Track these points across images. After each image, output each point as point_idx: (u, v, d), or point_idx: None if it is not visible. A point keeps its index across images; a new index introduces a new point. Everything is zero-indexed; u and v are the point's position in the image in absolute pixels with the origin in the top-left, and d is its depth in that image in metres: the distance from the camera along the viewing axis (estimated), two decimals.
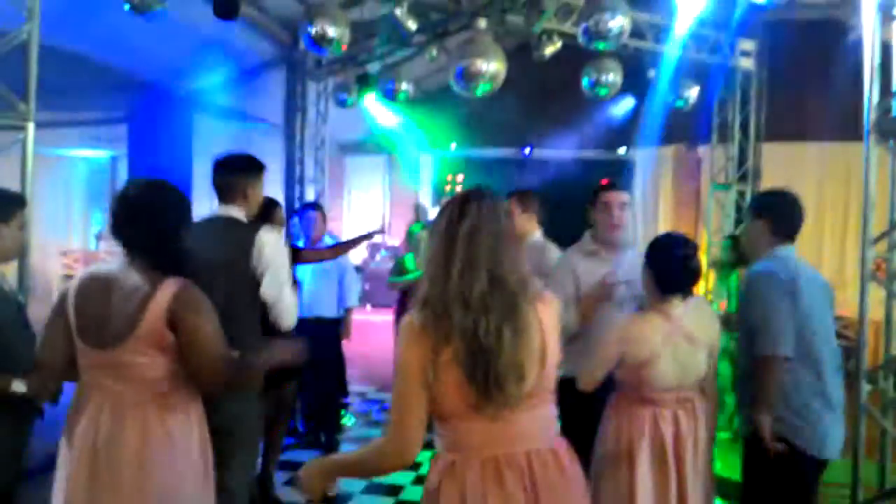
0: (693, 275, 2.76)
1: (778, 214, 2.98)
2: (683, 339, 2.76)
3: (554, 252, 4.02)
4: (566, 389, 3.44)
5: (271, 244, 3.04)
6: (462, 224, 1.83)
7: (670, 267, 2.75)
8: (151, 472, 2.18)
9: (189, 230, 2.36)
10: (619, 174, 10.20)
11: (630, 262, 3.42)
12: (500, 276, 1.82)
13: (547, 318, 1.90)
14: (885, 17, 3.76)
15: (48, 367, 2.34)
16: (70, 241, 12.37)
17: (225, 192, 3.16)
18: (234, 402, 2.91)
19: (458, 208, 1.86)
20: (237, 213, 3.13)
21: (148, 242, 2.24)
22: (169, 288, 2.20)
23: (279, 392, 4.28)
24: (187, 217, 2.38)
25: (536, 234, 4.17)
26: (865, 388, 3.82)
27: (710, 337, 2.84)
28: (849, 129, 7.18)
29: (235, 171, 3.18)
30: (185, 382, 2.27)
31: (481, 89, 6.06)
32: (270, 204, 4.16)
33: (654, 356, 2.72)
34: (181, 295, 2.20)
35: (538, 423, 1.93)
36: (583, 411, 3.13)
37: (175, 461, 2.23)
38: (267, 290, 3.02)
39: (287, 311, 3.09)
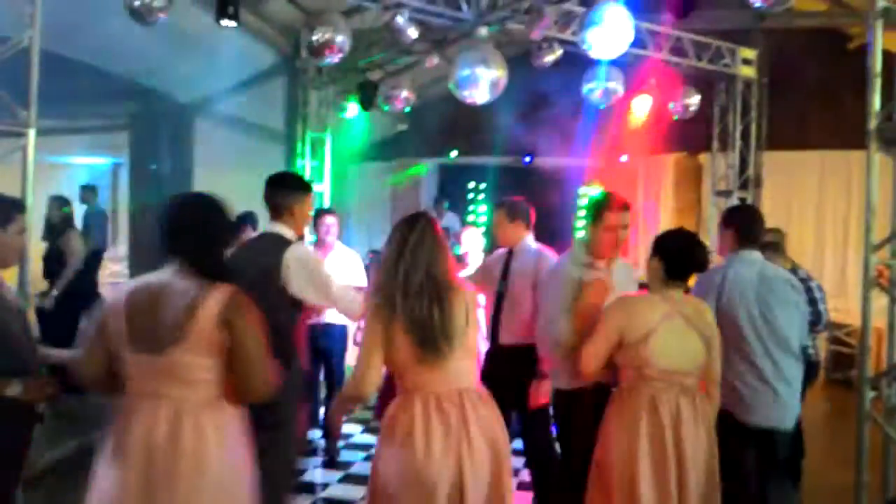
0: (699, 262, 3.02)
1: (740, 224, 3.50)
2: (682, 320, 2.90)
3: (549, 258, 4.01)
4: (565, 402, 3.46)
5: (296, 259, 3.21)
6: (410, 238, 2.66)
7: (680, 254, 2.97)
8: (208, 472, 2.27)
9: (232, 240, 2.55)
10: (620, 182, 10.19)
11: (621, 272, 3.45)
12: (434, 273, 2.65)
13: (469, 301, 2.71)
14: (887, 25, 3.76)
15: (89, 379, 2.41)
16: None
17: (272, 209, 3.40)
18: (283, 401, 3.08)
19: (407, 227, 2.70)
20: (283, 230, 3.34)
21: (198, 251, 2.37)
22: (220, 292, 2.31)
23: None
24: (232, 228, 2.58)
25: (527, 241, 4.16)
26: (869, 395, 3.80)
27: (706, 329, 2.95)
28: (850, 136, 7.18)
29: (283, 190, 3.41)
30: (232, 388, 2.37)
31: (482, 97, 6.07)
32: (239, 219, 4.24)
33: (652, 332, 2.85)
34: (232, 299, 2.32)
35: (464, 371, 2.68)
36: (583, 422, 3.14)
37: (228, 461, 2.33)
38: (314, 301, 3.32)
39: (347, 310, 3.41)
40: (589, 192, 10.40)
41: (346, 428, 5.94)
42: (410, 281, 2.61)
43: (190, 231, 2.39)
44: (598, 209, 3.41)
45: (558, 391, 3.51)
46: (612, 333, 2.93)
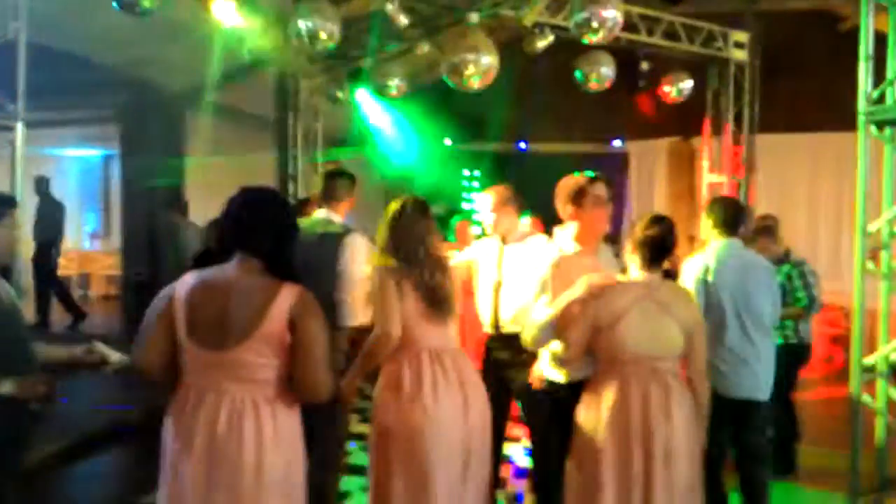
0: (670, 250, 3.06)
1: (719, 214, 3.80)
2: (654, 305, 2.93)
3: (542, 243, 3.98)
4: (562, 394, 3.46)
5: (355, 250, 3.75)
6: (401, 215, 3.10)
7: (651, 242, 3.00)
8: (268, 469, 2.31)
9: (297, 237, 2.51)
10: (615, 167, 10.19)
11: (605, 257, 3.45)
12: (428, 247, 3.10)
13: (455, 277, 3.27)
14: (878, 7, 3.75)
15: (146, 370, 2.43)
16: (64, 240, 12.32)
17: (327, 198, 3.99)
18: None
19: (399, 206, 3.13)
20: (332, 216, 3.93)
21: (271, 249, 2.37)
22: (290, 291, 2.33)
23: None
24: (296, 225, 2.55)
25: (521, 229, 4.17)
26: (861, 378, 3.81)
27: (686, 316, 2.96)
28: (842, 118, 7.17)
29: (339, 180, 4.03)
30: (290, 387, 2.39)
31: (474, 84, 6.04)
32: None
33: (623, 315, 2.89)
34: (302, 299, 2.34)
35: (454, 333, 3.17)
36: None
37: (285, 458, 2.38)
38: (337, 291, 3.69)
39: (346, 316, 3.70)
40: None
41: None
42: (410, 252, 3.04)
43: (264, 228, 2.37)
44: (579, 188, 3.34)
45: (553, 384, 3.50)
46: (587, 319, 2.95)
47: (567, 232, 3.38)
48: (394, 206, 3.16)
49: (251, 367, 2.30)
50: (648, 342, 2.90)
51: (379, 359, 3.06)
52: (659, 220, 3.07)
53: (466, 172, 11.04)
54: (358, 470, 4.68)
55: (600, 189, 3.34)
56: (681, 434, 2.85)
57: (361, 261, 3.68)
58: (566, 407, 3.28)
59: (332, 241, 3.72)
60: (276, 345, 2.30)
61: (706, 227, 3.86)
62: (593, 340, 2.96)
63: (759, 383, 3.69)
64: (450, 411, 2.96)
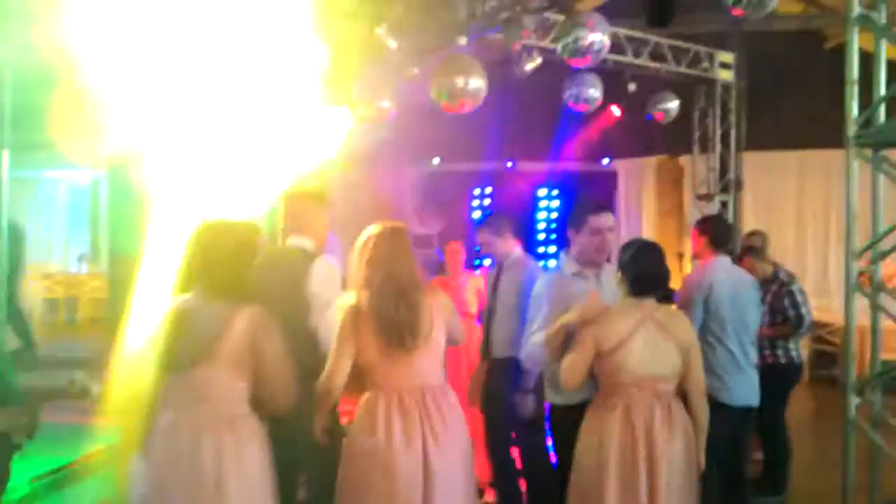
0: (663, 280, 3.11)
1: (714, 233, 3.97)
2: (655, 327, 2.95)
3: (537, 270, 4.04)
4: (560, 416, 3.44)
5: (323, 273, 3.31)
6: (369, 242, 2.90)
7: (640, 273, 3.02)
8: (227, 488, 2.39)
9: (253, 262, 2.67)
10: (602, 185, 10.23)
11: (611, 278, 3.42)
12: (396, 273, 2.84)
13: (435, 303, 2.91)
14: (863, 30, 3.78)
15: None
16: (51, 263, 12.24)
17: (292, 223, 3.51)
18: (305, 417, 3.15)
19: (368, 234, 2.93)
20: (304, 242, 3.43)
21: (227, 276, 2.53)
22: (247, 312, 2.51)
23: None
24: (254, 251, 2.70)
25: (516, 253, 4.19)
26: (854, 401, 3.81)
27: (683, 338, 2.99)
28: (828, 136, 7.22)
29: (299, 204, 3.53)
30: (254, 406, 2.56)
31: (462, 107, 6.05)
32: None
33: (627, 337, 2.91)
34: (259, 319, 2.52)
35: (427, 368, 2.86)
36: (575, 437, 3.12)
37: (249, 472, 2.47)
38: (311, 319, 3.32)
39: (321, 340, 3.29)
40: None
41: None
42: (374, 280, 2.83)
43: (219, 260, 2.54)
44: (581, 214, 3.38)
45: (554, 406, 3.49)
46: (588, 343, 2.95)
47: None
48: (364, 234, 2.97)
49: (213, 387, 2.44)
50: (651, 365, 2.92)
51: (331, 398, 2.86)
52: (649, 252, 3.09)
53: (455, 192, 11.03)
54: None
55: (602, 221, 3.34)
56: (683, 455, 2.90)
57: (330, 285, 3.32)
58: (565, 429, 3.27)
59: (299, 269, 3.33)
60: (237, 362, 2.46)
61: (698, 244, 4.02)
62: (595, 364, 2.96)
63: (755, 389, 3.91)
64: (403, 458, 2.71)
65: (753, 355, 3.94)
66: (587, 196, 3.64)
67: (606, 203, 3.51)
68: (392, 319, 2.78)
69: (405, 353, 2.80)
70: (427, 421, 2.76)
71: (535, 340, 3.26)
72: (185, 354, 2.44)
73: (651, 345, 2.92)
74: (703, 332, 3.69)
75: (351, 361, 2.82)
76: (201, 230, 2.61)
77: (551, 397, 3.48)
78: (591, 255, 3.37)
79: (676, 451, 2.88)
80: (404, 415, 2.75)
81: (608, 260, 3.56)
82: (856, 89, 3.77)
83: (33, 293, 11.68)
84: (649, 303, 3.01)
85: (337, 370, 2.80)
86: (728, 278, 3.87)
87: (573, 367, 2.97)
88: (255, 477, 2.50)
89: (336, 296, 3.25)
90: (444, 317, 2.93)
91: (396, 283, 2.83)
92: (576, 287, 3.31)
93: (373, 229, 2.96)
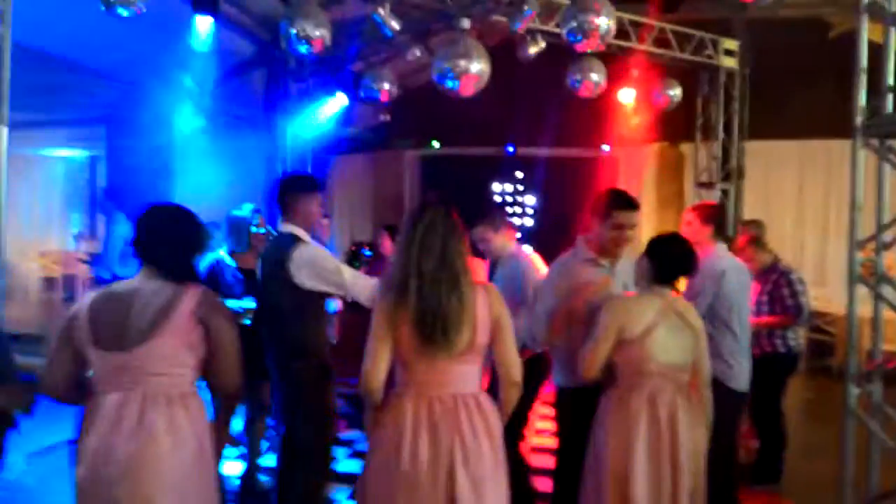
0: (690, 266, 3.13)
1: (717, 221, 4.10)
2: (676, 316, 2.98)
3: (532, 262, 4.13)
4: (566, 400, 3.45)
5: (304, 259, 3.32)
6: (421, 220, 2.54)
7: (673, 260, 3.07)
8: (167, 466, 2.32)
9: (205, 246, 2.73)
10: (602, 172, 10.19)
11: (625, 267, 3.41)
12: (449, 259, 2.51)
13: (482, 301, 2.55)
14: (872, 18, 3.74)
15: (52, 391, 2.48)
16: (48, 241, 12.20)
17: (282, 209, 3.54)
18: (297, 360, 3.38)
19: (419, 210, 2.59)
20: (294, 229, 3.46)
21: (171, 259, 2.49)
22: (194, 291, 2.46)
23: (257, 392, 4.30)
24: (201, 238, 2.67)
25: (511, 248, 4.25)
26: (854, 392, 3.80)
27: (696, 326, 3.03)
28: (830, 125, 7.21)
29: (289, 191, 3.54)
30: (206, 381, 2.53)
31: (464, 90, 6.01)
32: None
33: (652, 327, 2.92)
34: (206, 298, 2.48)
35: (465, 375, 2.55)
36: (584, 421, 3.12)
37: (189, 454, 2.39)
38: (334, 293, 3.43)
39: (358, 294, 3.35)
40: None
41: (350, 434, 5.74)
42: (424, 265, 2.49)
43: (163, 241, 2.50)
44: (607, 206, 3.34)
45: (561, 389, 3.50)
46: (611, 333, 2.95)
47: (590, 238, 3.40)
48: (415, 207, 2.67)
49: (159, 365, 2.37)
50: (675, 353, 2.95)
51: (373, 398, 2.57)
52: (682, 242, 3.14)
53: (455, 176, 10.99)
54: (345, 478, 4.65)
55: (627, 218, 3.31)
56: (701, 444, 2.97)
57: (319, 264, 3.35)
58: (575, 412, 3.28)
59: (284, 257, 3.36)
60: (184, 340, 2.40)
61: (703, 232, 4.00)
62: (616, 353, 2.96)
63: (750, 375, 3.96)
64: (432, 471, 2.44)
65: (747, 340, 4.00)
66: (616, 188, 3.55)
67: (635, 200, 3.43)
68: (439, 311, 2.46)
69: (443, 353, 2.48)
70: (458, 434, 2.46)
71: (539, 316, 3.32)
72: (125, 332, 2.36)
73: (674, 333, 2.96)
74: (712, 318, 3.70)
75: (390, 356, 2.54)
76: (148, 214, 2.57)
77: (561, 380, 3.48)
78: (609, 246, 3.36)
79: (695, 446, 2.94)
80: (432, 430, 2.46)
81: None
82: (864, 79, 3.73)
83: (31, 272, 11.67)
84: (668, 292, 3.04)
85: (375, 368, 2.52)
86: (734, 265, 3.96)
87: (595, 354, 2.96)
88: (198, 453, 2.42)
89: (323, 275, 3.32)
90: (492, 317, 2.57)
91: (449, 272, 2.51)
92: (587, 273, 3.31)
93: (417, 208, 2.63)
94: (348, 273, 3.38)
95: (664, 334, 2.93)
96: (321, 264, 3.35)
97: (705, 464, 3.02)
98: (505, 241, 4.22)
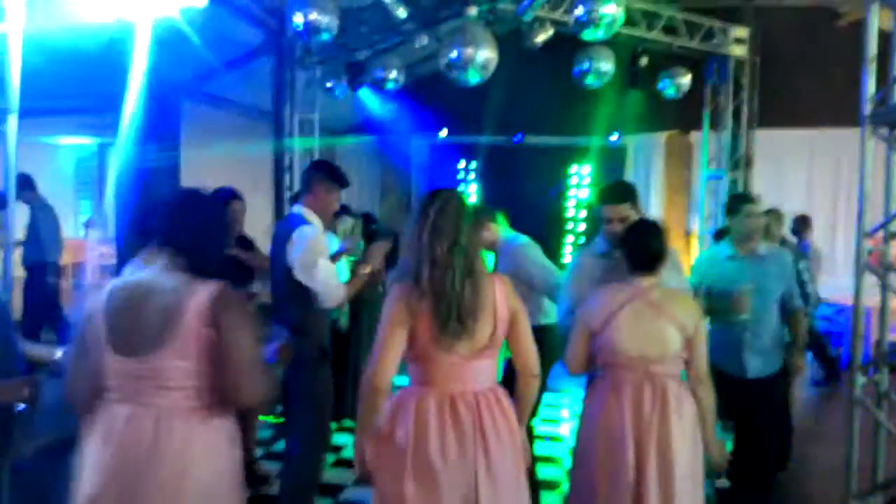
0: (657, 255, 2.95)
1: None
2: (646, 307, 2.86)
3: (527, 245, 4.19)
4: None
5: (298, 235, 3.37)
6: (433, 205, 2.44)
7: (639, 248, 2.96)
8: (188, 482, 2.14)
9: (225, 239, 2.54)
10: (611, 160, 10.16)
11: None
12: (462, 243, 2.41)
13: (500, 294, 2.46)
14: (883, 6, 3.71)
15: (77, 407, 2.25)
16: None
17: (303, 191, 3.63)
18: (295, 339, 3.35)
19: (430, 196, 2.49)
20: (305, 211, 3.52)
21: (191, 248, 2.27)
22: (206, 288, 2.18)
23: None
24: (224, 226, 2.58)
25: (503, 238, 4.28)
26: (860, 380, 3.81)
27: (683, 318, 2.86)
28: (840, 114, 7.17)
29: (317, 172, 3.63)
30: (220, 393, 2.21)
31: (472, 77, 6.00)
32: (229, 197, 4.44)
33: (612, 317, 2.85)
34: (219, 296, 2.18)
35: (485, 370, 2.45)
36: None
37: (211, 471, 2.20)
38: (300, 278, 3.37)
39: (325, 295, 3.39)
40: (580, 170, 10.40)
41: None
42: (436, 251, 2.38)
43: (190, 229, 2.29)
44: (597, 200, 3.41)
45: None
46: (581, 326, 2.95)
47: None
48: (426, 194, 2.55)
49: (173, 373, 2.14)
50: (641, 343, 2.83)
51: (379, 398, 2.40)
52: (646, 228, 3.05)
53: (462, 164, 10.99)
54: (351, 464, 4.64)
55: (610, 211, 3.32)
56: (678, 440, 2.77)
57: (307, 249, 3.34)
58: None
59: (288, 236, 3.42)
60: (195, 344, 2.14)
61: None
62: (591, 344, 2.94)
63: (756, 362, 3.90)
64: (461, 470, 2.35)
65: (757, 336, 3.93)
66: (612, 180, 3.55)
67: (629, 190, 3.43)
68: (451, 299, 2.34)
69: (462, 343, 2.38)
70: (480, 433, 2.37)
71: (563, 312, 3.34)
72: (138, 337, 2.15)
73: (641, 324, 2.83)
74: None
75: (402, 351, 2.40)
76: (175, 199, 2.38)
77: None
78: (609, 239, 3.36)
79: (670, 437, 2.76)
80: (457, 427, 2.36)
81: None
82: (874, 67, 3.71)
83: None
84: (648, 281, 2.91)
85: (385, 364, 2.36)
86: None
87: (570, 349, 2.98)
88: (219, 470, 2.23)
89: (301, 257, 3.35)
90: (510, 310, 2.48)
91: (463, 258, 2.40)
92: (600, 267, 3.33)
93: (436, 193, 2.52)
94: (325, 274, 3.37)
95: (628, 324, 2.84)
96: (308, 246, 3.36)
97: (700, 461, 2.89)
98: (494, 236, 4.26)
